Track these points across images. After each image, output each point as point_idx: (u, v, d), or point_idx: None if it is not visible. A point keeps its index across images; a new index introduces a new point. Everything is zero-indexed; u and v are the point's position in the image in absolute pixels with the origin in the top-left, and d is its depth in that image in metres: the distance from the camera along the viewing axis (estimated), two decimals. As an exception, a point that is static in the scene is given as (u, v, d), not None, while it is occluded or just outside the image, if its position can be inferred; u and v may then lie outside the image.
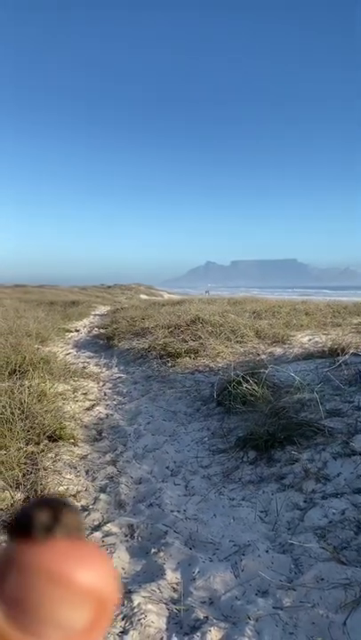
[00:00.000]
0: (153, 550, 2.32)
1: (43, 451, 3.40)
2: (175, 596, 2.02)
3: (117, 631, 1.78)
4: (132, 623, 1.81)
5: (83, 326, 12.23)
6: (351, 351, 5.38)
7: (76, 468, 3.32)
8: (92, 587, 0.21)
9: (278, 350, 6.57)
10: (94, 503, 2.85)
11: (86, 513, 2.72)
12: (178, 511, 2.68)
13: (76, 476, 3.18)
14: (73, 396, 5.14)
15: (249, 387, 4.19)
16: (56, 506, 0.23)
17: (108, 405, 4.96)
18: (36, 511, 0.22)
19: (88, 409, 4.79)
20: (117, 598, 0.22)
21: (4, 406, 3.77)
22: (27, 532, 0.22)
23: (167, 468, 3.36)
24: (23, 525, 0.22)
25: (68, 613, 0.21)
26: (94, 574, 0.21)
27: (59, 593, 0.21)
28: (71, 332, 11.18)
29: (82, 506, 2.81)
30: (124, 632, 1.78)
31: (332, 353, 5.58)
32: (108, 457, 3.57)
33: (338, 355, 5.38)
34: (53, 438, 3.66)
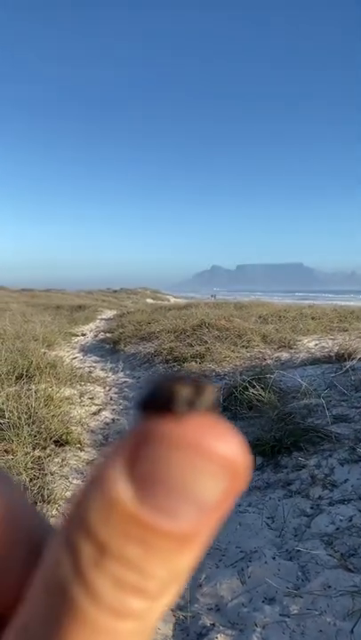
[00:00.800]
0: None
1: (49, 455, 3.41)
2: (181, 602, 2.02)
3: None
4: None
5: (89, 330, 12.26)
6: (358, 356, 5.36)
7: (82, 472, 3.33)
8: (230, 457, 0.21)
9: (285, 355, 6.56)
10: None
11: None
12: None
13: (83, 481, 3.19)
14: (79, 400, 5.15)
15: (255, 392, 4.19)
16: (196, 381, 0.23)
17: (114, 410, 4.97)
18: (178, 386, 0.22)
19: (94, 413, 4.80)
20: (248, 473, 0.22)
21: (11, 411, 3.79)
22: (168, 407, 0.22)
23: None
24: (164, 400, 0.22)
25: (205, 484, 0.21)
26: (232, 446, 0.22)
27: (199, 463, 0.21)
28: (77, 336, 11.22)
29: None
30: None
31: (339, 358, 5.57)
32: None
33: (345, 360, 5.37)
34: (60, 443, 3.67)
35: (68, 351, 8.81)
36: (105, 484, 0.21)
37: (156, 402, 0.22)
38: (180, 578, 0.22)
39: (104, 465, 0.21)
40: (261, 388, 4.27)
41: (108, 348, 9.01)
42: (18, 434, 3.49)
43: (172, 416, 0.22)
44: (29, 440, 3.47)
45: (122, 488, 0.21)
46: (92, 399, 5.29)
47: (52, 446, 3.57)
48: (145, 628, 0.21)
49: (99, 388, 5.82)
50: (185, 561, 0.21)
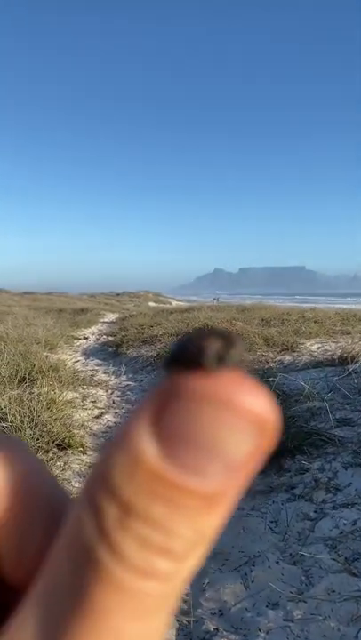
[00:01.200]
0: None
1: (52, 459, 3.41)
2: (185, 607, 2.01)
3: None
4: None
5: (91, 334, 12.27)
6: (361, 359, 5.35)
7: (85, 476, 3.32)
8: (260, 414, 0.20)
9: (287, 358, 6.55)
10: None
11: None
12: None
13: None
14: (82, 403, 5.15)
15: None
16: (226, 336, 0.22)
17: (116, 413, 4.97)
18: (208, 341, 0.21)
19: (97, 417, 4.80)
20: (277, 429, 0.21)
21: (13, 414, 3.79)
22: (197, 362, 0.20)
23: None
24: (193, 355, 0.21)
25: (234, 441, 0.20)
26: (263, 403, 0.21)
27: (229, 420, 0.20)
28: (80, 339, 11.22)
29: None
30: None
31: (342, 361, 5.56)
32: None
33: (348, 363, 5.36)
34: (62, 446, 3.67)
35: (70, 354, 8.82)
36: (129, 440, 0.20)
37: (185, 357, 0.21)
38: (206, 539, 0.21)
39: (129, 421, 0.20)
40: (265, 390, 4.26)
41: (110, 352, 9.02)
42: (20, 437, 3.49)
43: (201, 371, 0.20)
44: (32, 443, 3.47)
45: (147, 445, 0.20)
46: (95, 402, 5.28)
47: (55, 450, 3.57)
48: (171, 590, 0.20)
49: (101, 392, 5.82)
50: (212, 522, 0.21)
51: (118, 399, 5.55)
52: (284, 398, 4.29)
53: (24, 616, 0.20)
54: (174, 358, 0.21)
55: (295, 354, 6.81)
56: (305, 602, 1.94)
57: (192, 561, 0.21)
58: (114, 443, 0.20)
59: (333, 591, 1.96)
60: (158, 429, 0.20)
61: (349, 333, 8.16)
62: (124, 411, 5.05)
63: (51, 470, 3.18)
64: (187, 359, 0.20)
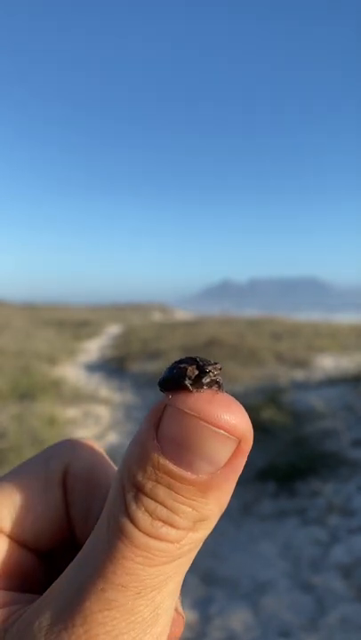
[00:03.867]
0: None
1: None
2: (192, 635, 2.03)
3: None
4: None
5: (94, 347, 12.31)
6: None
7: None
8: (236, 427, 0.30)
9: (299, 374, 6.56)
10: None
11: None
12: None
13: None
14: (84, 421, 5.18)
15: (269, 413, 4.20)
16: (205, 362, 0.31)
17: (120, 432, 4.98)
18: (189, 366, 0.31)
19: (99, 436, 4.82)
20: (248, 436, 0.31)
21: (13, 433, 3.83)
22: (180, 384, 0.30)
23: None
24: (179, 378, 0.31)
25: (214, 446, 0.29)
26: (238, 417, 0.30)
27: (206, 429, 0.29)
28: (82, 353, 11.27)
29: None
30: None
31: (357, 378, 5.56)
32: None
33: (362, 380, 5.36)
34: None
35: (72, 369, 8.85)
36: (141, 440, 0.30)
37: (169, 379, 0.31)
38: (207, 520, 0.31)
39: (141, 427, 0.31)
40: (275, 408, 4.27)
41: (113, 366, 9.05)
42: (20, 457, 3.52)
43: (185, 391, 0.30)
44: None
45: (151, 444, 0.30)
46: (97, 420, 5.31)
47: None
48: (177, 549, 0.30)
49: (104, 409, 5.84)
50: (210, 506, 0.30)
51: (122, 417, 5.56)
52: (296, 417, 4.30)
53: (69, 567, 0.32)
54: (164, 379, 0.31)
55: (307, 370, 6.82)
56: (317, 631, 1.94)
57: (199, 533, 0.31)
58: (133, 438, 0.31)
59: (347, 620, 1.97)
60: (158, 433, 0.30)
61: (364, 348, 8.16)
62: (127, 430, 5.06)
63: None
64: (174, 382, 0.31)
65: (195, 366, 0.31)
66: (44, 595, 0.32)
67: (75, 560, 0.32)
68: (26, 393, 5.43)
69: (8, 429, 3.93)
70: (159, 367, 7.53)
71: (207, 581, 2.39)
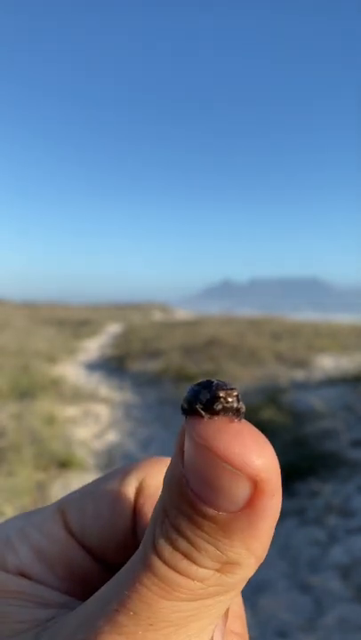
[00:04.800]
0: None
1: (52, 478, 3.43)
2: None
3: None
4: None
5: (94, 346, 12.32)
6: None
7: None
8: (248, 465, 0.26)
9: (299, 374, 6.56)
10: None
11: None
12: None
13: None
14: (83, 420, 5.18)
15: (269, 413, 4.20)
16: (218, 385, 0.28)
17: (119, 431, 4.99)
18: (201, 389, 0.28)
19: (99, 435, 4.82)
20: (279, 489, 0.27)
21: (13, 431, 3.83)
22: (193, 409, 0.27)
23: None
24: (189, 401, 0.28)
25: (230, 484, 0.26)
26: (254, 453, 0.26)
27: (218, 463, 0.26)
28: (82, 352, 11.28)
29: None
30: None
31: (357, 378, 5.56)
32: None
33: (362, 380, 5.36)
34: (63, 464, 3.69)
35: (71, 368, 8.86)
36: (170, 464, 0.29)
37: (186, 403, 0.28)
38: (237, 566, 0.28)
39: (175, 447, 0.29)
40: (275, 408, 4.27)
41: (113, 365, 9.06)
42: (20, 456, 3.52)
43: (197, 416, 0.27)
44: (31, 462, 3.50)
45: (177, 470, 0.28)
46: (97, 419, 5.31)
47: (55, 468, 3.59)
48: (201, 589, 0.28)
49: (103, 408, 5.84)
50: (236, 549, 0.27)
51: (121, 416, 5.57)
52: (296, 416, 4.30)
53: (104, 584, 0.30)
54: (183, 401, 0.28)
55: (307, 369, 6.83)
56: (315, 631, 1.94)
57: (230, 578, 0.28)
58: (169, 465, 0.29)
59: (345, 621, 1.97)
60: (183, 461, 0.27)
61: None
62: (126, 428, 5.07)
63: (50, 491, 3.20)
64: (188, 404, 0.28)
65: (207, 390, 0.28)
66: (78, 607, 0.31)
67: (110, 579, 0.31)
68: (25, 392, 5.43)
69: (7, 428, 3.94)
70: (159, 366, 7.54)
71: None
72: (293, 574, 2.38)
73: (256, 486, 0.26)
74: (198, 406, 0.27)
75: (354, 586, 2.19)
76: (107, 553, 0.37)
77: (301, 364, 7.14)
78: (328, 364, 7.19)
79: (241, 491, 0.26)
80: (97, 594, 0.30)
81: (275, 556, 2.54)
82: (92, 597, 0.30)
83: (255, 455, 0.26)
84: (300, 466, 3.28)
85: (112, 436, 4.78)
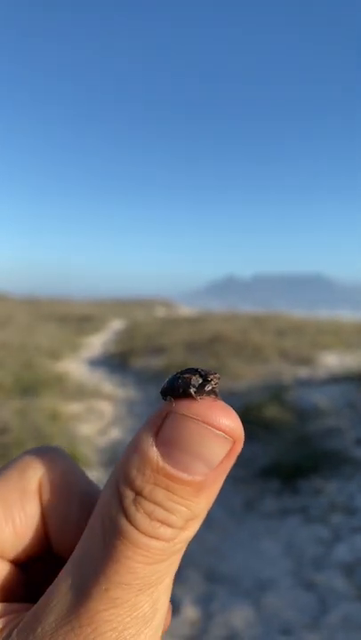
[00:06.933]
0: (170, 583, 2.34)
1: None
2: (194, 632, 2.04)
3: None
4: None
5: (97, 342, 12.34)
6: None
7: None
8: (230, 427, 0.32)
9: (303, 372, 6.56)
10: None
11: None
12: (196, 543, 2.70)
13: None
14: (87, 417, 5.20)
15: (273, 410, 4.21)
16: (205, 372, 0.35)
17: (123, 428, 5.00)
18: (190, 375, 0.34)
19: (102, 431, 4.84)
20: (241, 439, 0.33)
21: (17, 427, 3.85)
22: (184, 392, 0.33)
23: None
24: (181, 386, 0.34)
25: (211, 448, 0.32)
26: (232, 419, 0.33)
27: (206, 432, 0.32)
28: (85, 348, 11.29)
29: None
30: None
31: (361, 376, 5.57)
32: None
33: (367, 378, 5.36)
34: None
35: (74, 364, 8.88)
36: (139, 446, 0.33)
37: (173, 388, 0.34)
38: (198, 517, 0.33)
39: (139, 432, 0.33)
40: (279, 406, 4.28)
41: (116, 361, 9.07)
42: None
43: (185, 398, 0.33)
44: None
45: (151, 450, 0.32)
46: (100, 415, 5.33)
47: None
48: (172, 547, 0.33)
49: (107, 404, 5.86)
50: (201, 504, 0.33)
51: (125, 412, 5.58)
52: (300, 414, 4.30)
53: (64, 571, 0.33)
54: (166, 389, 0.34)
55: (311, 367, 6.83)
56: (319, 629, 1.96)
57: (189, 531, 0.33)
58: (129, 446, 0.33)
59: (349, 619, 1.98)
60: (158, 438, 0.32)
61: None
62: (130, 425, 5.08)
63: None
64: (175, 390, 0.34)
65: (198, 375, 0.34)
66: (42, 601, 0.33)
67: (69, 565, 0.33)
68: (28, 388, 5.45)
69: (11, 424, 3.95)
70: (163, 363, 7.55)
71: (209, 578, 2.41)
72: (297, 572, 2.39)
73: (233, 447, 0.33)
74: (192, 390, 0.33)
75: (358, 584, 2.21)
76: (19, 553, 0.38)
77: (305, 361, 7.14)
78: (332, 361, 7.20)
79: (221, 452, 0.32)
80: (63, 583, 0.33)
81: (278, 554, 2.55)
82: (56, 590, 0.33)
83: (236, 423, 0.33)
84: (304, 464, 3.29)
85: (115, 433, 4.79)
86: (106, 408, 5.69)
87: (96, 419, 5.20)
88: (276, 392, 4.94)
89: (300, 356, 7.34)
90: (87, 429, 4.73)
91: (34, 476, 0.39)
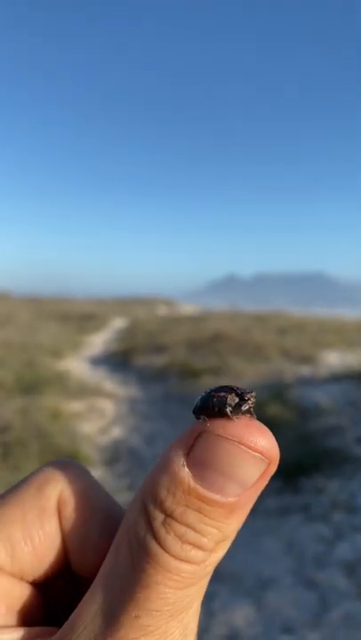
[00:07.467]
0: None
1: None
2: (195, 630, 2.04)
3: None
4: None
5: (99, 341, 12.34)
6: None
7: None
8: (265, 449, 0.31)
9: (305, 370, 6.56)
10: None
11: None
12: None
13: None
14: (88, 415, 5.20)
15: (274, 409, 4.21)
16: (241, 392, 0.33)
17: (124, 426, 5.01)
18: (225, 394, 0.33)
19: (104, 430, 4.84)
20: (277, 460, 0.32)
21: (19, 426, 3.85)
22: (220, 411, 0.32)
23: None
24: (216, 405, 0.32)
25: (246, 469, 0.31)
26: (267, 440, 0.31)
27: (241, 453, 0.31)
28: (87, 346, 11.30)
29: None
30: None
31: (363, 374, 5.56)
32: (124, 481, 3.61)
33: (368, 376, 5.36)
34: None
35: (76, 362, 8.89)
36: (170, 466, 0.31)
37: (208, 407, 0.32)
38: (229, 538, 0.32)
39: (169, 452, 0.32)
40: (280, 404, 4.28)
41: (118, 360, 9.08)
42: (25, 450, 3.55)
43: (220, 418, 0.32)
44: (36, 457, 3.52)
45: (183, 471, 0.31)
46: (102, 414, 5.33)
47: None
48: (202, 571, 0.32)
49: (108, 403, 5.87)
50: (232, 525, 0.32)
51: (126, 411, 5.59)
52: (301, 413, 4.30)
53: (90, 594, 0.32)
54: (202, 407, 0.33)
55: (313, 365, 6.82)
56: (320, 628, 1.96)
57: (219, 553, 0.32)
58: (158, 466, 0.32)
59: (350, 618, 1.98)
60: (190, 459, 0.31)
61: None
62: (132, 424, 5.09)
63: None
64: (212, 408, 0.32)
65: (234, 394, 0.33)
66: (67, 625, 0.32)
67: (95, 587, 0.32)
68: (30, 386, 5.45)
69: (13, 423, 3.96)
70: (164, 361, 7.55)
71: (211, 577, 2.41)
72: (299, 570, 2.39)
73: (268, 468, 0.31)
74: (228, 409, 0.32)
75: (359, 583, 2.21)
76: (38, 574, 0.36)
77: (307, 359, 7.14)
78: (334, 359, 7.19)
79: (256, 473, 0.31)
80: (90, 607, 0.31)
81: (280, 553, 2.56)
82: (83, 614, 0.31)
83: (272, 443, 0.31)
84: (306, 462, 3.29)
85: (117, 432, 4.80)
86: (107, 406, 5.69)
87: (97, 417, 5.21)
88: (278, 390, 4.94)
89: (301, 354, 7.34)
90: (89, 428, 4.74)
91: (53, 492, 0.36)
